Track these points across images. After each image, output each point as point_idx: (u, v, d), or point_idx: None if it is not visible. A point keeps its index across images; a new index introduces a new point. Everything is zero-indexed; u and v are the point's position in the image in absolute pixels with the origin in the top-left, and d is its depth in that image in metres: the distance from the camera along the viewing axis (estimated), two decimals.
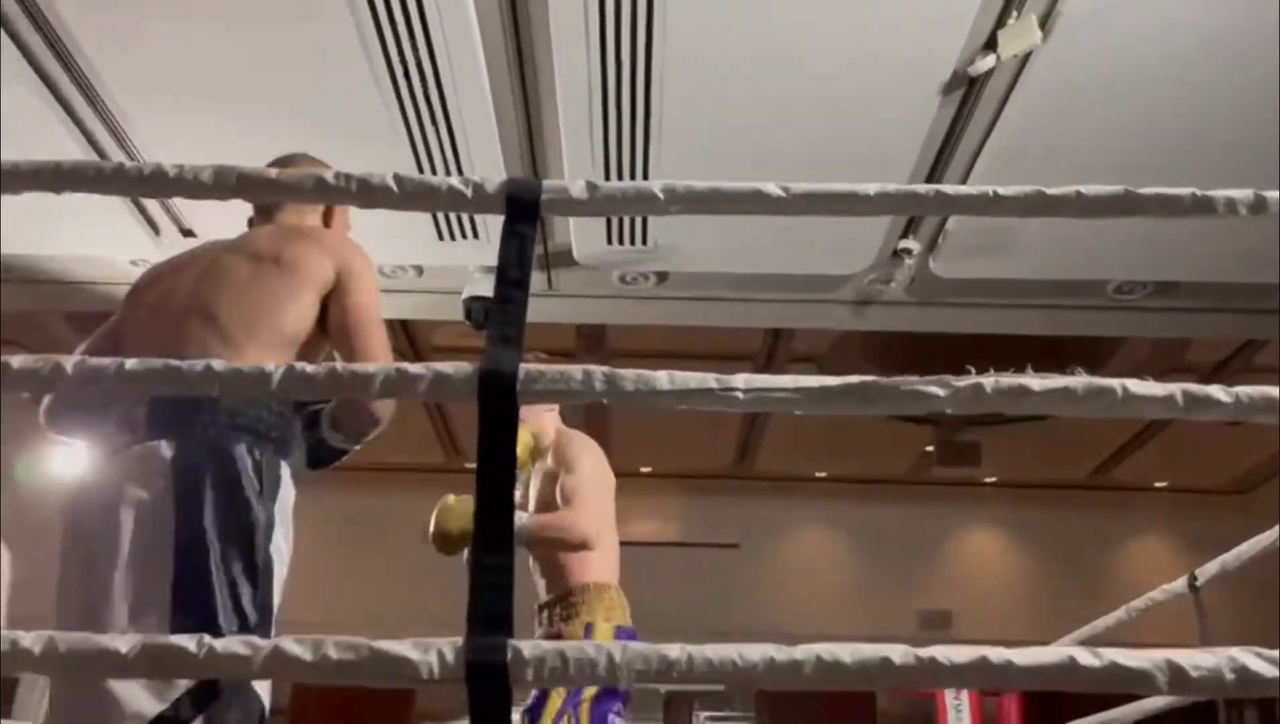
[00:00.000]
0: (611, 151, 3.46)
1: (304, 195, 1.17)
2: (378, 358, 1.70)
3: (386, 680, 0.94)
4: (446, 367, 1.06)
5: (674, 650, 0.90)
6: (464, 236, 4.35)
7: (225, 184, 1.17)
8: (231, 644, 0.91)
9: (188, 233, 4.92)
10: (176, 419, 1.53)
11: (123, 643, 0.91)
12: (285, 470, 1.65)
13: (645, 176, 3.61)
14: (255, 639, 0.92)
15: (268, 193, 1.18)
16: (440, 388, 1.06)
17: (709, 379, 1.03)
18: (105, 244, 4.96)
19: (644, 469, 9.69)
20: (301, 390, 1.06)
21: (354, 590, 8.86)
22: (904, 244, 3.77)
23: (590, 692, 2.36)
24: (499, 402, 1.03)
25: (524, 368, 1.05)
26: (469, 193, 1.16)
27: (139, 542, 1.46)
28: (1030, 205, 1.16)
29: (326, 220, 2.01)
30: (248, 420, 1.55)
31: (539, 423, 2.81)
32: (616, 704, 2.45)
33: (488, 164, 3.69)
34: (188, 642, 0.91)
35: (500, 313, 1.10)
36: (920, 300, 4.16)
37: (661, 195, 1.16)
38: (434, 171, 3.80)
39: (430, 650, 0.91)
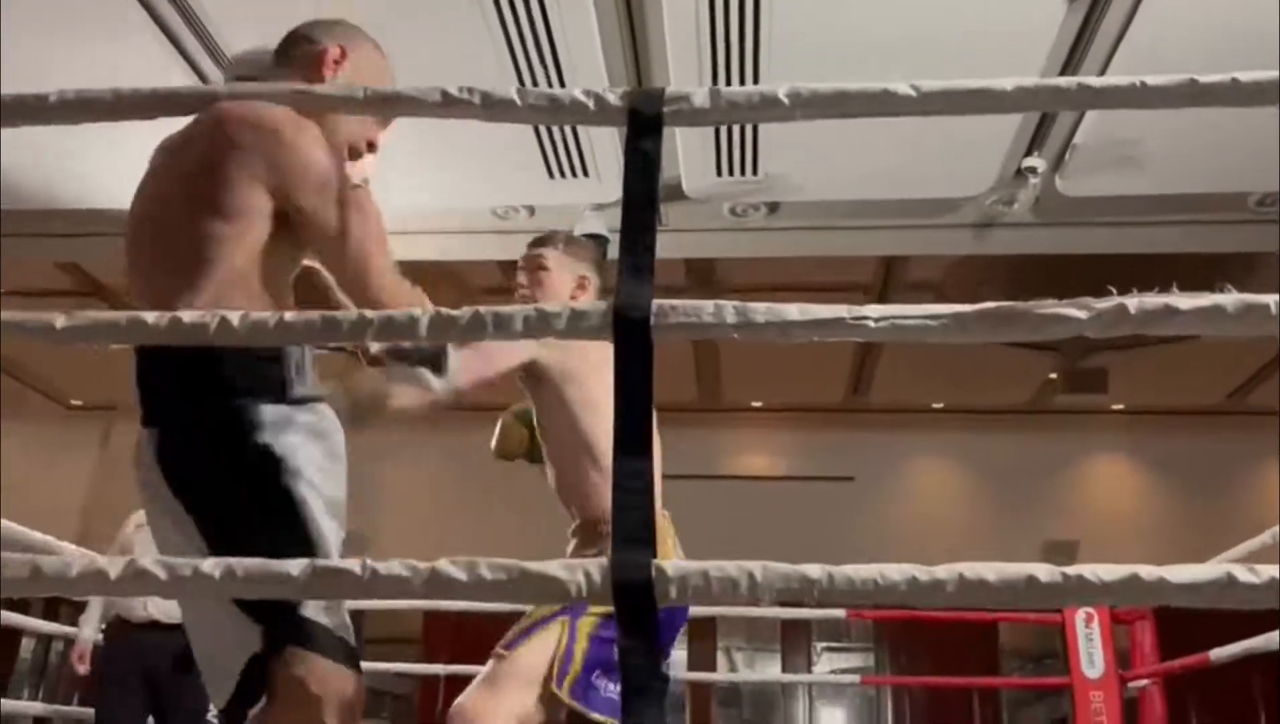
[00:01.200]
0: (720, 65, 3.40)
1: (428, 109, 1.19)
2: None
3: (537, 600, 0.98)
4: (583, 305, 1.09)
5: (814, 570, 0.92)
6: (574, 175, 4.38)
7: (354, 101, 1.21)
8: (393, 567, 0.97)
9: None
10: (157, 405, 1.42)
11: (294, 567, 0.97)
12: (298, 417, 1.42)
13: None
14: (415, 562, 0.97)
15: (394, 110, 1.21)
16: (576, 326, 1.09)
17: (840, 310, 1.03)
18: None
19: (755, 404, 9.68)
20: (452, 334, 1.10)
21: (460, 521, 9.13)
22: (1028, 162, 3.63)
23: (591, 626, 2.03)
24: (634, 338, 1.05)
25: (656, 304, 1.06)
26: (591, 105, 1.17)
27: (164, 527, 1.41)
28: (1182, 95, 1.09)
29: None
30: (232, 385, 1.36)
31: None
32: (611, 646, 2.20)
33: (591, 83, 3.70)
34: (353, 565, 0.97)
35: (629, 241, 1.11)
36: (1045, 221, 4.02)
37: (786, 100, 1.14)
38: None
39: (578, 571, 0.95)
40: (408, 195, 5.00)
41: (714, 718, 8.91)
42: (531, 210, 5.03)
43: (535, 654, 1.93)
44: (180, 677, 4.01)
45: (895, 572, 0.90)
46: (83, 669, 4.27)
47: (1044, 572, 0.87)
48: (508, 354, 2.12)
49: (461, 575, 0.96)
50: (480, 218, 5.24)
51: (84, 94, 1.20)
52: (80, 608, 4.55)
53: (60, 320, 1.09)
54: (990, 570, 0.88)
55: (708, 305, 1.06)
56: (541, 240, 2.51)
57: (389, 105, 1.23)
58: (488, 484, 9.74)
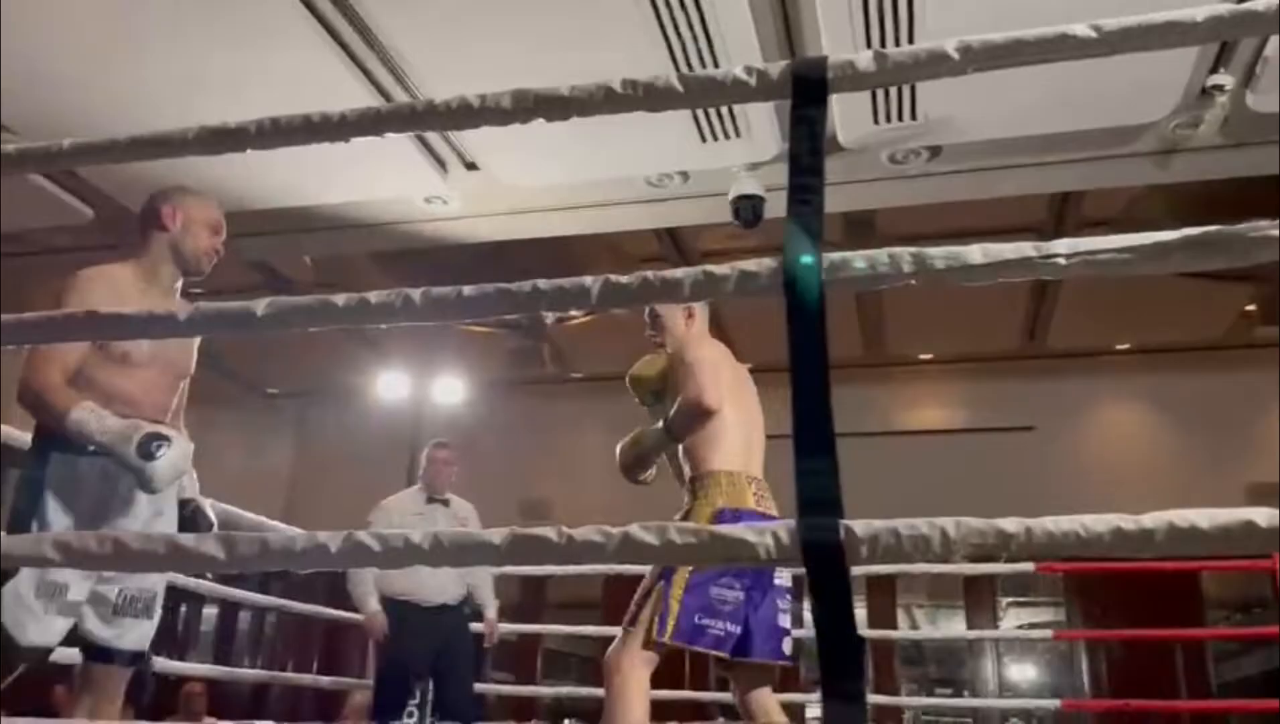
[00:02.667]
0: (873, 22, 3.30)
1: (595, 107, 1.21)
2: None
3: (726, 562, 0.99)
4: (750, 264, 1.09)
5: (1011, 524, 0.90)
6: (727, 136, 4.35)
7: (523, 106, 1.23)
8: (588, 533, 1.00)
9: (471, 166, 5.24)
10: None
11: (496, 535, 1.02)
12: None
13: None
14: (608, 528, 1.00)
15: (563, 112, 1.23)
16: (746, 286, 1.09)
17: (1026, 248, 0.99)
18: (399, 185, 5.38)
19: (924, 356, 9.41)
20: (618, 300, 1.12)
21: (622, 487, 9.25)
22: (1215, 79, 3.37)
23: (683, 579, 2.47)
24: (806, 294, 1.04)
25: (828, 257, 1.05)
26: (753, 82, 1.15)
27: None
28: None
29: None
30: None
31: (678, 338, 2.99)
32: (721, 582, 2.50)
33: (745, 56, 3.64)
34: (550, 532, 1.01)
35: (796, 203, 1.10)
36: (1235, 142, 3.73)
37: (956, 55, 1.09)
38: (689, 69, 3.81)
39: (766, 533, 0.96)
40: (563, 171, 5.09)
41: (898, 677, 8.80)
42: (685, 176, 5.03)
43: (644, 620, 2.46)
44: (455, 653, 4.72)
45: (1099, 522, 0.86)
46: (375, 640, 4.81)
47: (1262, 516, 0.82)
48: (706, 408, 2.59)
49: (653, 540, 0.99)
50: (635, 187, 5.28)
51: (279, 121, 1.28)
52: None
53: (261, 307, 1.17)
54: (1202, 517, 0.83)
55: (881, 255, 1.04)
56: None
57: (556, 109, 1.24)
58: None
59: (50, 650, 2.02)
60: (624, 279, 1.12)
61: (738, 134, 4.28)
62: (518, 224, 5.82)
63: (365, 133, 1.31)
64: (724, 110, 4.10)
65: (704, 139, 4.39)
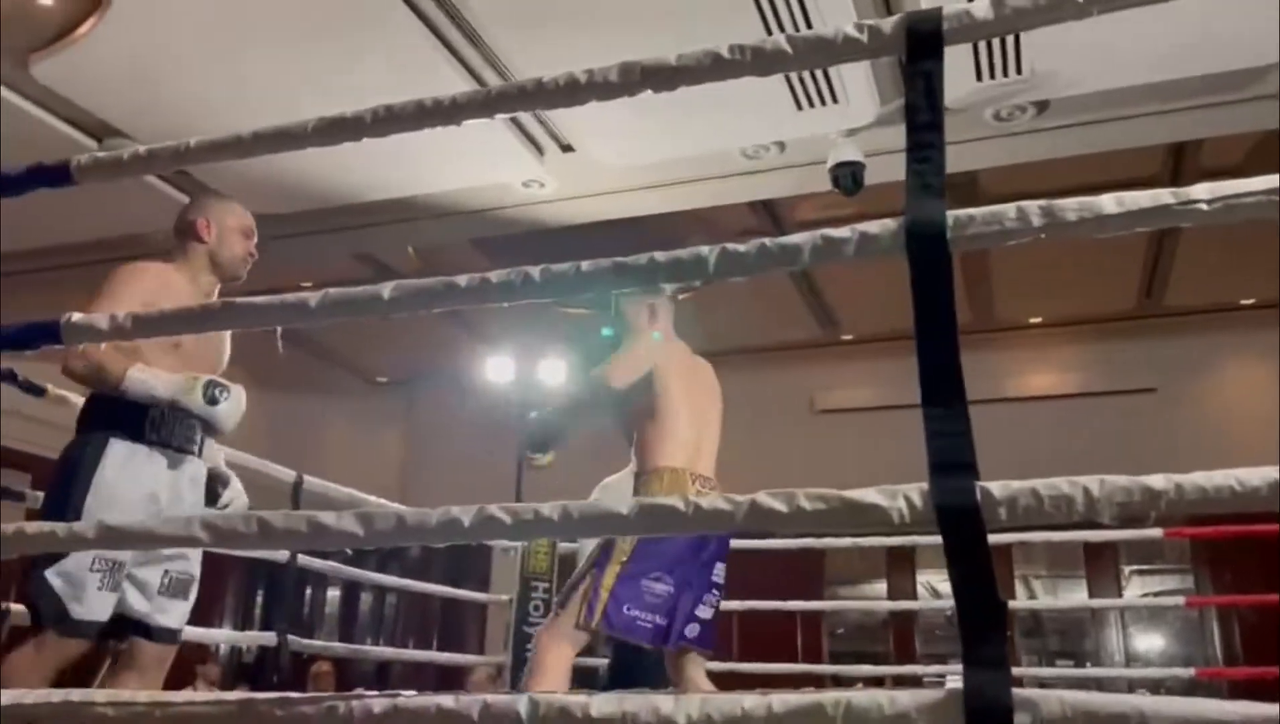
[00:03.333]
0: None
1: (703, 75, 1.20)
2: None
3: (856, 527, 0.98)
4: (871, 226, 1.06)
5: (1158, 481, 0.86)
6: (823, 103, 4.28)
7: (631, 79, 1.23)
8: (715, 501, 1.00)
9: (567, 148, 5.27)
10: None
11: (623, 507, 1.03)
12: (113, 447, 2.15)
13: None
14: (734, 496, 1.00)
15: (670, 82, 1.22)
16: (866, 247, 1.07)
17: (1163, 195, 0.94)
18: (498, 171, 5.46)
19: (1034, 320, 9.13)
20: (736, 268, 1.11)
21: (734, 465, 9.24)
22: None
23: (615, 571, 2.55)
24: (931, 253, 1.02)
25: (952, 215, 1.02)
26: (865, 38, 1.12)
27: None
28: None
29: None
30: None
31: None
32: (651, 577, 2.58)
33: (840, 18, 3.57)
34: (678, 502, 1.01)
35: (916, 160, 1.07)
36: None
37: None
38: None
39: (898, 497, 0.94)
40: (657, 148, 5.08)
41: (1017, 650, 8.60)
42: (781, 146, 4.97)
43: (575, 602, 2.56)
44: None
45: (1255, 476, 0.82)
46: None
47: None
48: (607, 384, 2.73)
49: (781, 507, 0.98)
50: (730, 160, 5.25)
51: (392, 108, 1.30)
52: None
53: (387, 291, 1.20)
54: None
55: (1009, 209, 1.01)
56: None
57: (664, 79, 1.23)
58: (752, 426, 9.86)
59: (102, 624, 2.13)
60: (741, 247, 1.11)
61: (834, 100, 4.20)
62: (614, 204, 5.84)
63: (477, 115, 1.33)
64: (820, 76, 4.03)
65: (800, 107, 4.33)
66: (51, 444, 2.42)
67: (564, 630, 2.58)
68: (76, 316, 1.38)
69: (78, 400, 2.40)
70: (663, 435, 2.76)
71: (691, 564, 2.64)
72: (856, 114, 4.42)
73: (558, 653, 2.57)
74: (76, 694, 1.16)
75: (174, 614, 2.29)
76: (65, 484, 2.09)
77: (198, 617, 2.39)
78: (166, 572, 2.24)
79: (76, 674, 2.05)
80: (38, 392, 3.03)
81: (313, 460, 4.99)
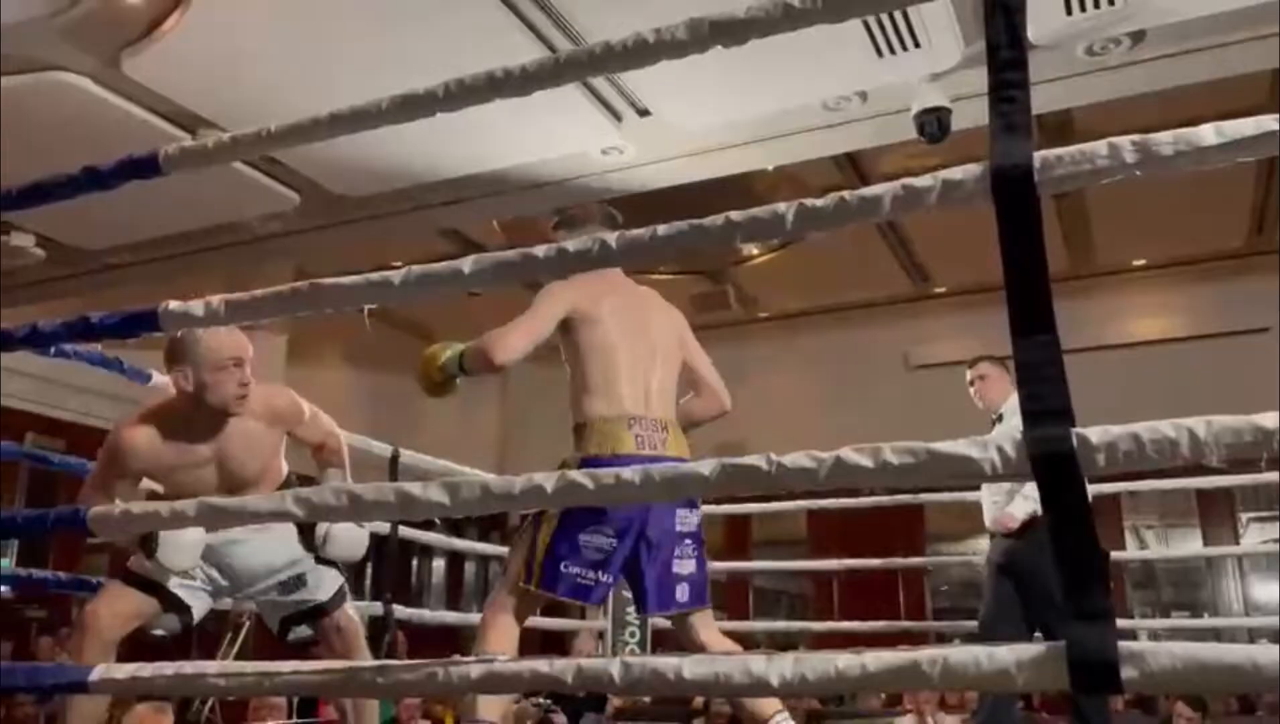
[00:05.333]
0: None
1: (773, 26, 1.16)
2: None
3: (947, 480, 0.96)
4: (954, 172, 1.03)
5: (1269, 419, 0.82)
6: (905, 48, 4.15)
7: (700, 36, 1.21)
8: (798, 458, 0.98)
9: (644, 113, 5.23)
10: None
11: (705, 467, 1.02)
12: None
13: None
14: (817, 453, 0.98)
15: (740, 35, 1.19)
16: (950, 194, 1.03)
17: (1268, 121, 0.89)
18: (576, 140, 5.45)
19: (1137, 262, 8.79)
20: (814, 223, 1.09)
21: (828, 425, 9.13)
22: None
23: (549, 527, 2.34)
24: (1018, 196, 0.98)
25: (1039, 155, 0.98)
26: None
27: None
28: None
29: None
30: None
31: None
32: (589, 530, 2.34)
33: None
34: (759, 460, 1.00)
35: (999, 98, 1.02)
36: None
37: None
38: None
39: (989, 447, 0.92)
40: (735, 107, 5.01)
41: (1129, 602, 8.37)
42: (864, 95, 4.84)
43: (514, 565, 2.40)
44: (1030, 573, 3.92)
45: None
46: None
47: None
48: (491, 362, 2.55)
49: (866, 462, 0.96)
50: (811, 114, 5.13)
51: (463, 81, 1.31)
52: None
53: (468, 265, 1.21)
54: None
55: (1099, 146, 0.96)
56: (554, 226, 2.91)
57: (734, 33, 1.20)
58: (846, 384, 9.74)
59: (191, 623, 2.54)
60: (819, 202, 1.08)
61: (916, 44, 4.08)
62: (694, 166, 5.79)
63: (546, 84, 1.32)
64: (900, 21, 3.91)
65: (880, 54, 4.21)
66: (81, 409, 2.58)
67: (504, 597, 2.39)
68: (174, 305, 1.43)
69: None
70: (592, 382, 2.48)
71: (639, 513, 2.35)
72: (940, 57, 4.27)
73: (500, 622, 2.37)
74: (190, 667, 1.22)
75: (324, 586, 2.74)
76: None
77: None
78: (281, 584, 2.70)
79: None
80: (144, 377, 3.17)
81: (413, 437, 5.09)
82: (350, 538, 2.63)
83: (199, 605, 2.60)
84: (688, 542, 2.48)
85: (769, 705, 2.36)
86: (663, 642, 5.14)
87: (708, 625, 2.53)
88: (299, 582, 2.71)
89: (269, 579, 2.68)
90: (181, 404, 2.44)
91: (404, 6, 4.22)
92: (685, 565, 2.46)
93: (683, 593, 2.45)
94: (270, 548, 2.63)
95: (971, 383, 3.96)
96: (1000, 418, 3.82)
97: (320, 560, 2.66)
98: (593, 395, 2.47)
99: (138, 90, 5.09)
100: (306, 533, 2.64)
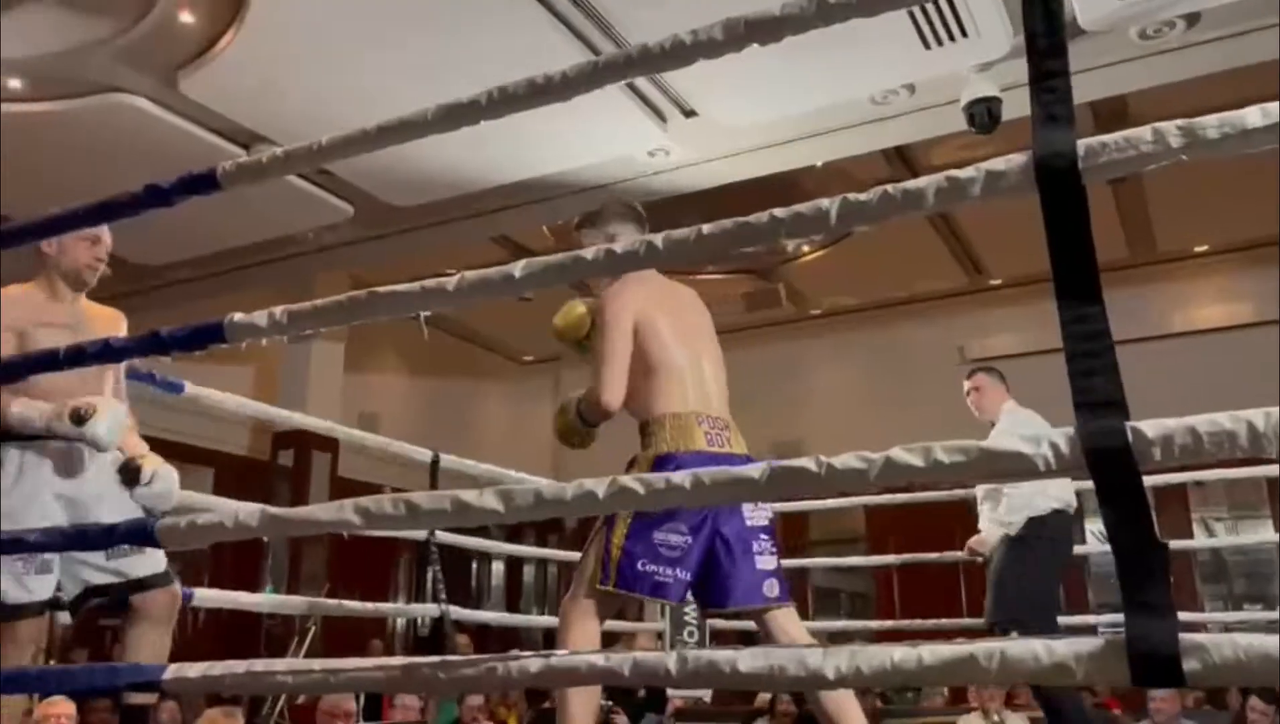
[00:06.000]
0: None
1: (808, 23, 1.16)
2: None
3: (999, 477, 0.95)
4: (997, 162, 1.02)
5: None
6: (952, 39, 4.12)
7: (735, 35, 1.21)
8: (848, 460, 0.98)
9: (689, 113, 5.25)
10: None
11: (755, 470, 1.02)
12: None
13: None
14: (868, 453, 0.98)
15: (776, 33, 1.19)
16: (993, 186, 1.02)
17: None
18: (622, 143, 5.48)
19: (1198, 248, 8.58)
20: (858, 218, 1.08)
21: (883, 421, 9.04)
22: None
23: (623, 527, 2.35)
24: (1062, 185, 0.97)
25: (1083, 143, 0.97)
26: None
27: None
28: None
29: None
30: None
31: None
32: (664, 528, 2.34)
33: None
34: (809, 462, 1.00)
35: (1040, 88, 1.01)
36: None
37: None
38: None
39: (1042, 443, 0.91)
40: (782, 104, 5.00)
41: (1200, 595, 8.17)
42: (911, 88, 4.81)
43: (590, 566, 2.39)
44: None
45: None
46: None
47: None
48: (604, 409, 2.49)
49: (917, 461, 0.96)
50: (858, 109, 5.11)
51: (505, 89, 1.32)
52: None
53: (518, 269, 1.23)
54: None
55: (1144, 132, 0.94)
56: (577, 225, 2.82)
57: (769, 32, 1.20)
58: (901, 380, 9.63)
59: (44, 604, 2.34)
60: (862, 196, 1.08)
61: (964, 34, 4.04)
62: (741, 165, 5.79)
63: (586, 87, 1.33)
64: (947, 11, 3.88)
65: (928, 45, 4.18)
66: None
67: (582, 598, 2.39)
68: (238, 316, 1.47)
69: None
70: (658, 381, 2.48)
71: (710, 508, 2.37)
72: (989, 47, 4.23)
73: (580, 623, 2.38)
74: (260, 664, 1.25)
75: (145, 562, 2.44)
76: None
77: (370, 593, 2.51)
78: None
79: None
80: (178, 388, 3.25)
81: (469, 442, 5.15)
82: (173, 480, 2.50)
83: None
84: (763, 536, 2.48)
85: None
86: (721, 642, 5.13)
87: (796, 622, 2.52)
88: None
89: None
90: (41, 282, 2.56)
91: (445, 13, 4.28)
92: (767, 561, 2.46)
93: (770, 588, 2.45)
94: (122, 500, 2.47)
95: (968, 393, 4.09)
96: (993, 426, 4.00)
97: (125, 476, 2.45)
98: (660, 394, 2.48)
99: (193, 108, 5.23)
100: (126, 472, 2.47)
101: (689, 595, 2.45)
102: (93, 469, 2.45)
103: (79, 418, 2.30)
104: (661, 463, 2.39)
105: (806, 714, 5.73)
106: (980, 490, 4.07)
